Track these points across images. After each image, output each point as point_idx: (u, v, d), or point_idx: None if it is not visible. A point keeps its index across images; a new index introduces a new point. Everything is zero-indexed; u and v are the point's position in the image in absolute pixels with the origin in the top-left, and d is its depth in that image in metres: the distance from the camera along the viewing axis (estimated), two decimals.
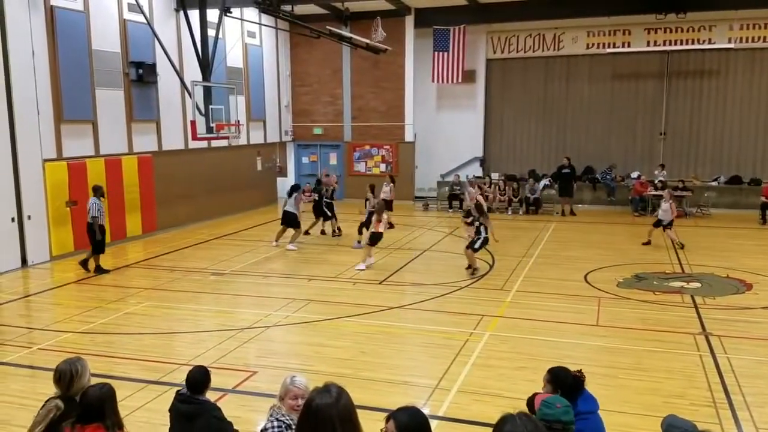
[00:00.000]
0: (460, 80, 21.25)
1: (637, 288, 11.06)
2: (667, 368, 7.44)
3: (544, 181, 20.60)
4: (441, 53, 21.17)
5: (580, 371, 4.27)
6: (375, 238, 13.11)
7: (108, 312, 9.92)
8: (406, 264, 13.23)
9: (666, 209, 14.38)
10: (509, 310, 9.88)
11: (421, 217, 19.96)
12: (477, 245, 12.12)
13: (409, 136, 22.02)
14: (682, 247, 14.11)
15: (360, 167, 22.74)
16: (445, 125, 22.30)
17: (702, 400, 6.61)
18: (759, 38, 19.22)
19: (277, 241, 14.95)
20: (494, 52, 21.94)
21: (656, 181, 19.21)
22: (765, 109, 19.55)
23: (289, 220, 14.83)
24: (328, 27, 17.63)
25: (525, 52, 21.60)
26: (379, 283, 11.65)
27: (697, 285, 11.20)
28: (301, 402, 3.48)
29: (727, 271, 12.05)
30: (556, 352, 8.02)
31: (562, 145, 21.50)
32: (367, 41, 18.20)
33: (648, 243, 14.64)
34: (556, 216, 19.39)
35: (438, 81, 21.56)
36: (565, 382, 4.16)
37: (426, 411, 6.20)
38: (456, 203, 20.66)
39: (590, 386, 6.82)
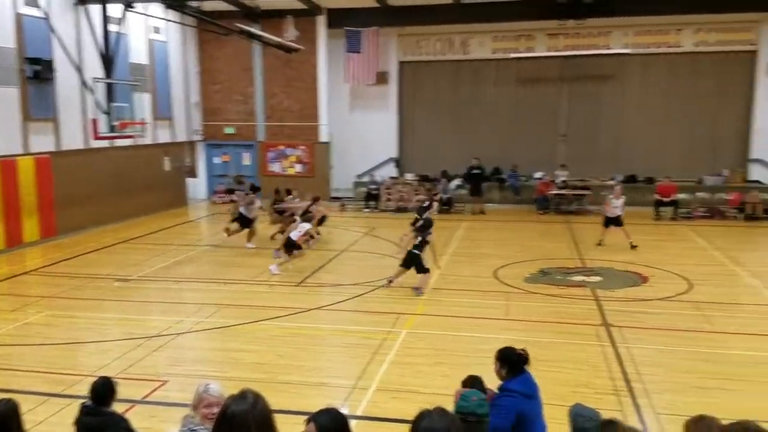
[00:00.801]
0: (373, 81, 21.41)
1: (542, 283, 11.55)
2: (573, 359, 7.81)
3: (456, 182, 21.12)
4: (354, 54, 21.25)
5: (523, 350, 4.62)
6: (291, 246, 12.62)
7: (4, 323, 9.29)
8: (323, 265, 13.18)
9: (618, 205, 14.56)
10: (425, 308, 10.06)
11: (338, 217, 19.93)
12: (419, 264, 10.85)
13: (324, 137, 21.95)
14: (633, 247, 14.30)
15: (275, 167, 22.44)
16: (360, 126, 22.41)
17: (605, 388, 6.98)
18: (652, 44, 20.53)
19: (228, 235, 14.86)
20: (405, 54, 22.27)
21: (558, 181, 20.13)
22: (658, 111, 20.90)
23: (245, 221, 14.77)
24: (237, 24, 17.28)
25: (435, 55, 22.06)
26: (296, 285, 11.54)
27: (597, 278, 11.82)
28: (216, 410, 3.40)
29: (625, 265, 12.79)
30: (470, 347, 8.26)
31: (472, 146, 22.07)
32: (279, 40, 18.00)
33: (600, 245, 14.70)
34: (467, 215, 19.92)
35: (351, 82, 21.63)
36: (511, 359, 4.57)
37: (345, 411, 6.21)
38: (372, 203, 20.80)
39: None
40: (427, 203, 15.65)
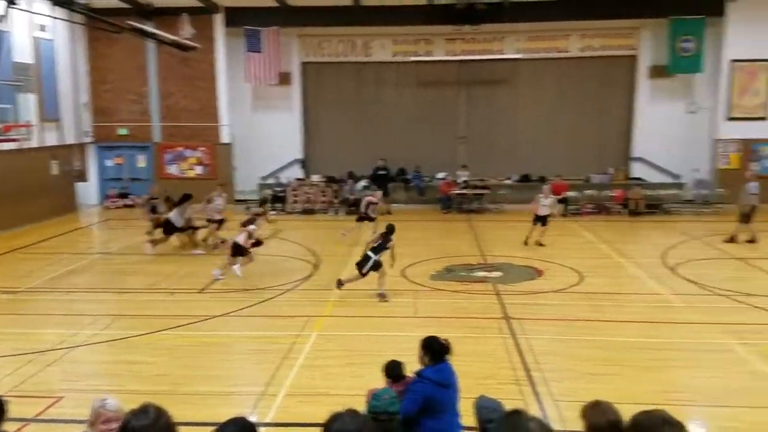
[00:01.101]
0: (275, 81, 21.15)
1: (447, 280, 11.88)
2: (477, 352, 8.08)
3: (363, 182, 21.26)
4: (254, 54, 20.89)
5: (446, 340, 4.73)
6: (238, 251, 12.11)
7: None
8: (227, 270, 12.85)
9: (548, 204, 14.85)
10: (335, 309, 10.07)
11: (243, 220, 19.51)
12: (366, 269, 10.50)
13: (225, 137, 21.43)
14: (540, 245, 14.75)
15: (172, 170, 21.65)
16: (263, 126, 22.06)
17: (507, 379, 7.29)
18: (541, 49, 21.57)
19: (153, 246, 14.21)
20: (308, 55, 22.16)
21: (459, 181, 20.75)
22: (548, 114, 21.98)
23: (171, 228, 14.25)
24: (129, 22, 16.52)
25: (337, 56, 22.10)
26: (199, 292, 11.21)
27: (498, 274, 12.30)
28: (114, 426, 3.26)
29: (522, 260, 13.37)
30: (380, 346, 8.34)
31: (377, 147, 22.30)
32: (174, 38, 17.37)
33: (527, 244, 14.85)
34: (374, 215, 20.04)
35: (252, 81, 21.26)
36: (433, 348, 4.70)
37: (253, 419, 6.12)
38: (278, 205, 20.53)
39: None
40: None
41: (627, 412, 3.24)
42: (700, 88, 20.81)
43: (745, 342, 8.32)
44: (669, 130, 20.97)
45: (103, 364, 8.10)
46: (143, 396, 3.34)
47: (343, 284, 10.77)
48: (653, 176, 21.21)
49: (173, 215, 14.21)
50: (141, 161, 21.93)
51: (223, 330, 9.26)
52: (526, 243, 14.88)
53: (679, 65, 20.17)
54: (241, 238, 12.07)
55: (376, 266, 10.48)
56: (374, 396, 3.96)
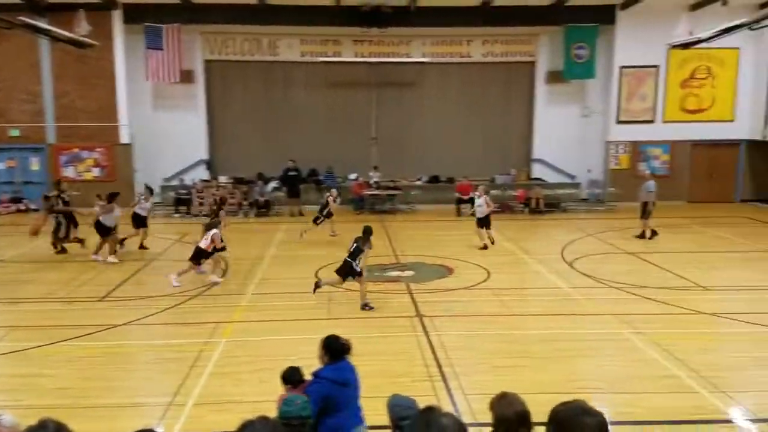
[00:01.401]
0: (177, 80, 20.47)
1: None
2: (391, 351, 8.20)
3: (273, 184, 20.98)
4: (155, 51, 20.14)
5: (347, 340, 4.83)
6: (199, 255, 11.65)
7: None
8: (130, 276, 12.34)
9: (480, 204, 14.88)
10: (245, 314, 9.88)
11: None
12: (346, 276, 10.09)
13: (125, 138, 20.52)
14: (492, 242, 14.82)
15: (69, 172, 20.49)
16: (166, 126, 21.29)
17: (420, 376, 7.43)
18: (447, 54, 22.12)
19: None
20: (211, 53, 21.61)
21: (371, 182, 20.93)
22: (454, 116, 22.57)
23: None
24: (20, 18, 15.48)
25: (243, 55, 21.69)
26: (100, 300, 10.68)
27: (410, 273, 12.52)
28: None
29: (433, 259, 13.68)
30: (292, 350, 8.24)
31: (287, 148, 22.09)
32: (70, 35, 16.44)
33: (485, 247, 14.69)
34: (286, 217, 19.89)
35: (153, 79, 20.48)
36: (331, 347, 4.79)
37: (160, 430, 5.93)
38: (183, 208, 19.85)
39: None
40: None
41: (534, 402, 3.40)
42: (593, 93, 22.06)
43: (638, 331, 8.91)
44: (565, 133, 22.11)
45: None
46: (42, 411, 3.17)
47: (320, 286, 10.40)
48: (552, 177, 22.28)
49: (103, 217, 13.49)
50: (35, 164, 20.64)
51: (126, 339, 8.88)
52: (485, 247, 14.68)
53: (574, 71, 21.31)
54: (204, 243, 11.62)
55: (354, 273, 9.96)
56: (285, 401, 3.93)
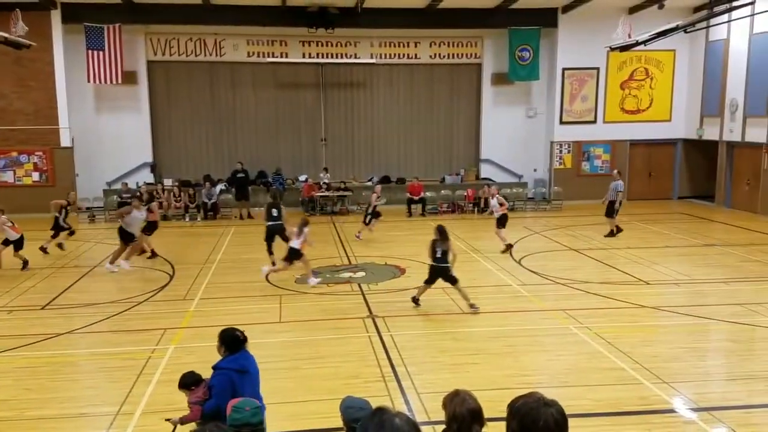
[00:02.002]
0: (119, 81, 19.92)
1: None
2: (344, 352, 8.20)
3: (221, 186, 20.64)
4: (96, 52, 19.56)
5: (242, 331, 4.88)
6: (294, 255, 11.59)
7: None
8: (73, 283, 11.94)
9: (495, 204, 14.63)
10: (193, 320, 9.71)
11: (88, 229, 18.21)
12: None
13: (65, 141, 19.84)
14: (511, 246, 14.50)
15: (7, 177, 19.70)
16: (108, 129, 20.70)
17: (374, 376, 7.46)
18: (394, 55, 22.23)
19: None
20: (155, 54, 21.11)
21: (321, 183, 20.85)
22: (403, 117, 22.70)
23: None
24: None
25: (188, 55, 21.27)
26: (42, 308, 10.31)
27: (362, 274, 12.54)
28: None
29: (385, 259, 13.73)
30: None
31: (234, 149, 21.83)
32: (6, 35, 15.79)
33: (509, 247, 14.39)
34: (234, 220, 19.61)
35: (95, 81, 19.86)
36: (227, 339, 4.83)
37: None
38: None
39: (276, 381, 7.17)
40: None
41: (487, 398, 3.47)
42: (537, 94, 22.57)
43: (584, 325, 9.17)
44: (512, 133, 22.55)
45: None
46: None
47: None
48: (499, 176, 22.67)
49: (130, 219, 12.95)
50: None
51: (70, 348, 8.60)
52: (510, 246, 14.36)
53: (518, 73, 21.74)
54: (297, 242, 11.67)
55: (453, 280, 9.99)
56: (234, 408, 3.85)
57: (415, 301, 10.21)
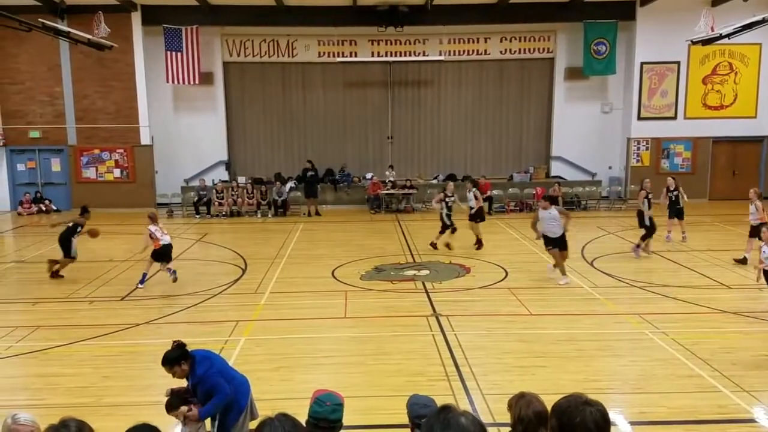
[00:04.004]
0: (197, 81, 20.64)
1: (377, 279, 11.94)
2: (407, 350, 8.17)
3: (290, 184, 21.07)
4: (174, 53, 20.34)
5: (175, 341, 5.25)
6: None
7: None
8: (151, 276, 12.44)
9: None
10: (264, 313, 9.93)
11: (166, 224, 18.87)
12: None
13: (145, 139, 20.74)
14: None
15: (90, 173, 20.79)
16: (186, 128, 21.49)
17: (438, 375, 7.39)
18: (464, 51, 22.03)
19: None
20: (231, 55, 21.75)
21: (387, 181, 20.92)
22: (469, 115, 22.49)
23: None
24: (41, 20, 15.72)
25: (261, 56, 21.81)
26: (121, 300, 10.80)
27: (426, 272, 12.47)
28: None
29: (449, 258, 13.61)
30: (309, 348, 8.30)
31: (304, 148, 22.23)
32: (89, 37, 16.65)
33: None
34: (303, 217, 19.96)
35: (173, 81, 20.66)
36: (180, 354, 5.13)
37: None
38: (203, 208, 20.00)
39: (341, 375, 7.24)
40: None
41: (553, 402, 3.35)
42: (614, 89, 21.84)
43: (660, 330, 8.78)
44: (585, 130, 21.91)
45: (19, 378, 7.65)
46: (64, 410, 3.21)
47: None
48: (571, 174, 22.09)
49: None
50: (55, 165, 20.93)
51: (147, 338, 8.95)
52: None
53: (594, 67, 21.10)
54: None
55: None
56: (317, 401, 3.84)
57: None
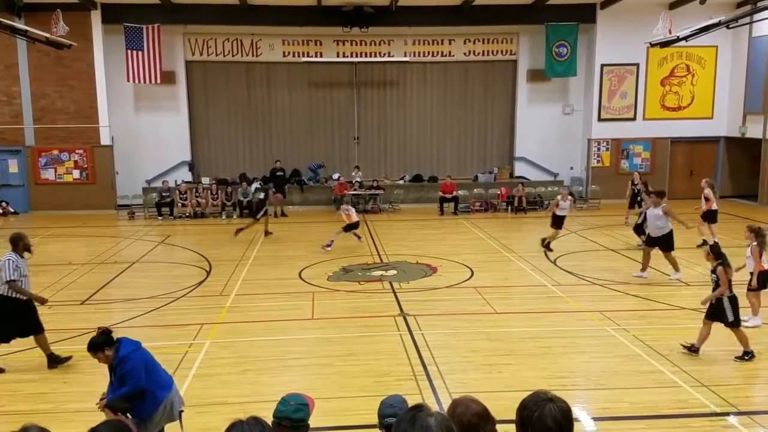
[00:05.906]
0: (158, 81, 20.29)
1: (344, 280, 11.93)
2: (375, 350, 8.19)
3: (256, 184, 20.83)
4: (135, 52, 19.95)
5: (99, 328, 5.27)
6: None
7: None
8: (112, 279, 12.21)
9: (566, 207, 14.35)
10: (229, 315, 9.83)
11: (127, 226, 18.61)
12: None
13: (105, 140, 20.30)
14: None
15: (48, 174, 20.26)
16: (148, 128, 21.10)
17: (405, 374, 7.43)
18: (428, 53, 22.15)
19: None
20: (193, 54, 21.44)
21: (353, 181, 20.90)
22: (435, 116, 22.60)
23: None
24: None
25: (225, 55, 21.55)
26: (81, 304, 10.56)
27: (393, 272, 12.51)
28: None
29: (416, 258, 13.68)
30: (277, 350, 8.26)
31: (269, 148, 22.05)
32: (47, 35, 16.24)
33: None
34: (270, 218, 19.73)
35: (134, 81, 20.27)
36: (104, 339, 5.14)
37: None
38: (166, 210, 19.65)
39: (309, 377, 7.21)
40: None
41: (519, 399, 3.38)
42: (575, 90, 22.22)
43: (622, 327, 8.99)
44: (547, 131, 22.26)
45: None
46: (24, 417, 3.13)
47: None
48: (534, 174, 22.40)
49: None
50: (13, 166, 20.34)
51: None
52: (547, 247, 14.25)
53: (555, 69, 21.44)
54: None
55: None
56: (282, 400, 3.83)
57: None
